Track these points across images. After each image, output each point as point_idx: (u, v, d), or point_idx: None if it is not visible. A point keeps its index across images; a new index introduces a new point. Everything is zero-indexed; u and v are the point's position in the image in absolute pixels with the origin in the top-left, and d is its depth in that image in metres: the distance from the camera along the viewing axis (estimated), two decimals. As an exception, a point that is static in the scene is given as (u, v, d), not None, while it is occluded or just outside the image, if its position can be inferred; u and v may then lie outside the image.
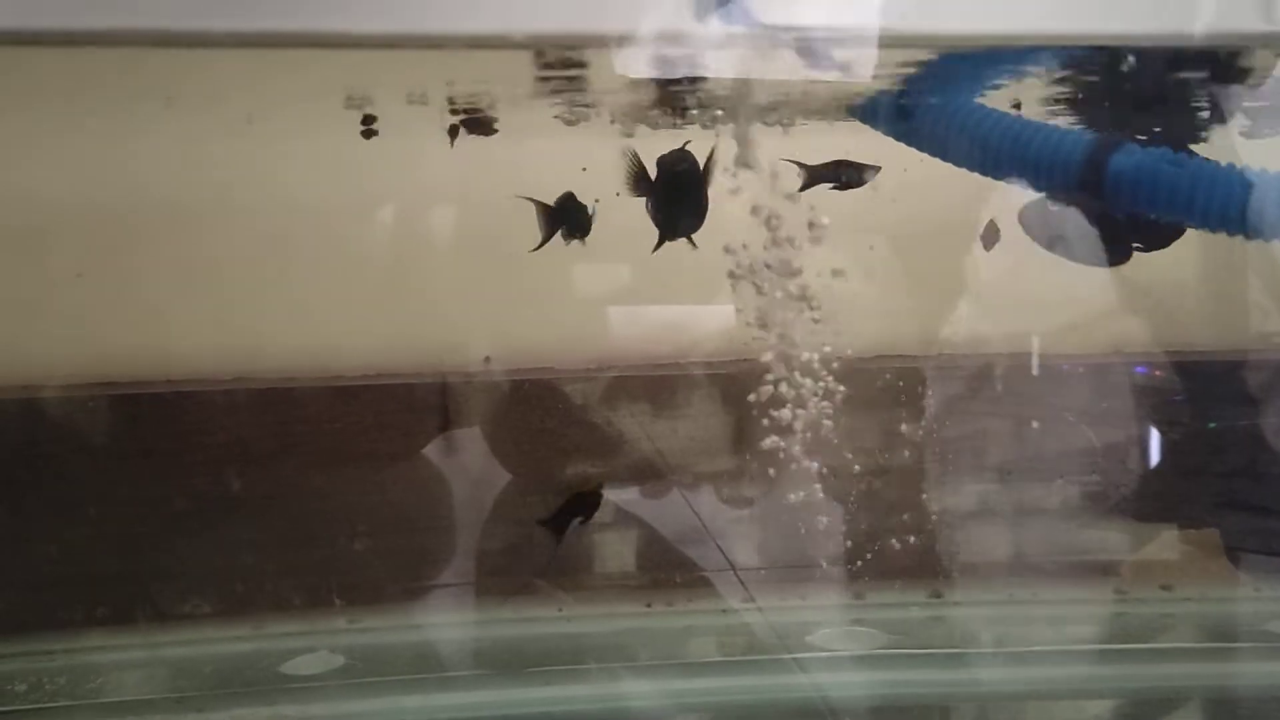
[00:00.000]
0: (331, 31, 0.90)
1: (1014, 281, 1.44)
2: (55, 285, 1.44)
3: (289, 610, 1.49)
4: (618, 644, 1.51)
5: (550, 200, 1.34)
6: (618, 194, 1.30)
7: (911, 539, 1.57)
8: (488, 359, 1.52)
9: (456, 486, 1.56)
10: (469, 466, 1.57)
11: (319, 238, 1.47)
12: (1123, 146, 1.04)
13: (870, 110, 1.17)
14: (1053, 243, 1.10)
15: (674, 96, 1.24)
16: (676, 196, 1.28)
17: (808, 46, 1.04)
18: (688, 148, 1.29)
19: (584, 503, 1.47)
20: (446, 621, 1.55)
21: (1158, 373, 1.63)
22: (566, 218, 1.34)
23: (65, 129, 1.36)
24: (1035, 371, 1.58)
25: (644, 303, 1.53)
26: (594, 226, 1.35)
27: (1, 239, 1.40)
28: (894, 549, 1.55)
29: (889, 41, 1.06)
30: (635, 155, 1.28)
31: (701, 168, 1.28)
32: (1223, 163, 1.05)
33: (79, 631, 1.44)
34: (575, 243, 1.36)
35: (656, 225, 1.28)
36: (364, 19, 0.89)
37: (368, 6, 0.89)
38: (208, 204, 1.44)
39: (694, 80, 1.13)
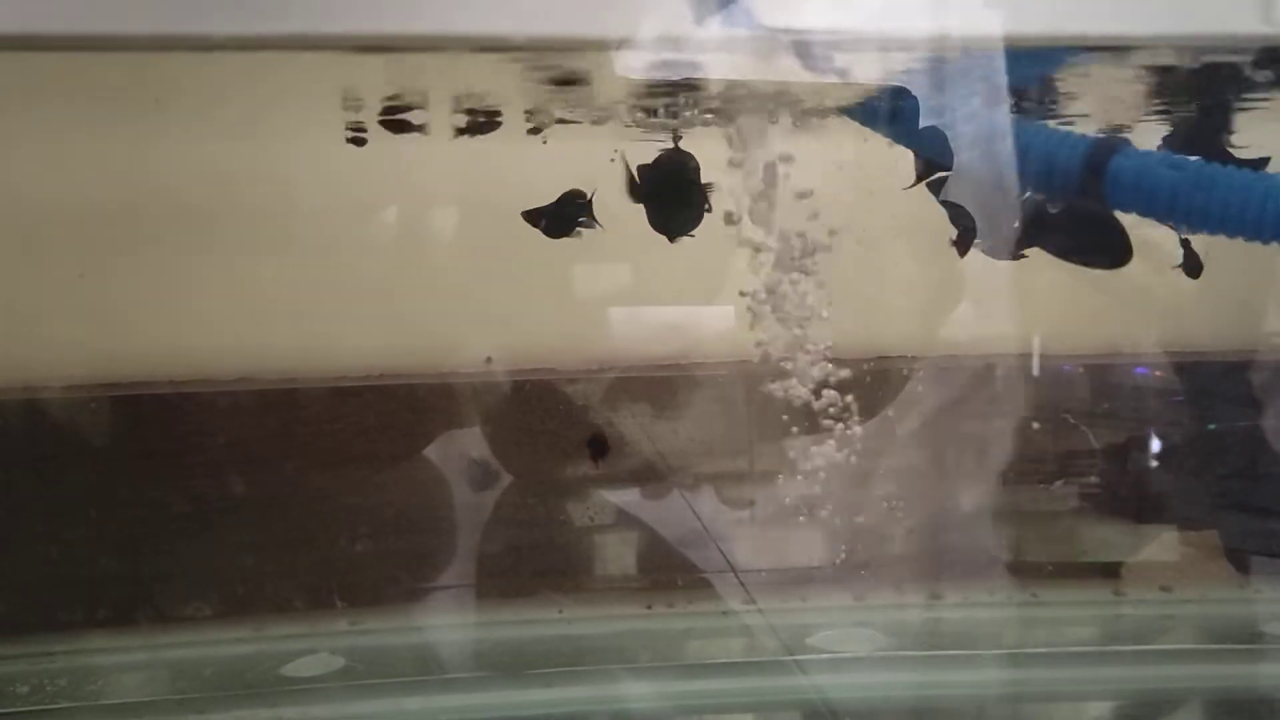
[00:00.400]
0: (328, 34, 0.90)
1: (1008, 281, 1.44)
2: (57, 286, 1.44)
3: (290, 612, 1.49)
4: (618, 646, 1.51)
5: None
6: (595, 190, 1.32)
7: (909, 540, 1.57)
8: (489, 359, 1.52)
9: (457, 488, 1.56)
10: (470, 468, 1.57)
11: (321, 239, 1.47)
12: (1122, 149, 1.04)
13: (869, 112, 1.17)
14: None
15: (664, 98, 1.24)
16: (667, 197, 1.28)
17: (806, 49, 1.04)
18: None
19: (598, 445, 1.49)
20: (447, 623, 1.55)
21: (1157, 373, 1.63)
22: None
23: (66, 130, 1.36)
24: (1033, 372, 1.58)
25: (647, 303, 1.53)
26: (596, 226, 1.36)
27: (3, 240, 1.41)
28: (891, 551, 1.55)
29: (889, 44, 1.06)
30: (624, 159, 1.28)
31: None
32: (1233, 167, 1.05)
33: (80, 633, 1.44)
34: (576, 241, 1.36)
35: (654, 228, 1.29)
36: (360, 21, 0.90)
37: (363, 9, 0.90)
38: (210, 205, 1.44)
39: (674, 84, 1.14)
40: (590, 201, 1.35)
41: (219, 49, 0.93)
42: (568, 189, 1.35)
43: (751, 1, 1.01)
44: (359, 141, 1.37)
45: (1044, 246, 1.14)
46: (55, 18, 0.91)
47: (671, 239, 1.32)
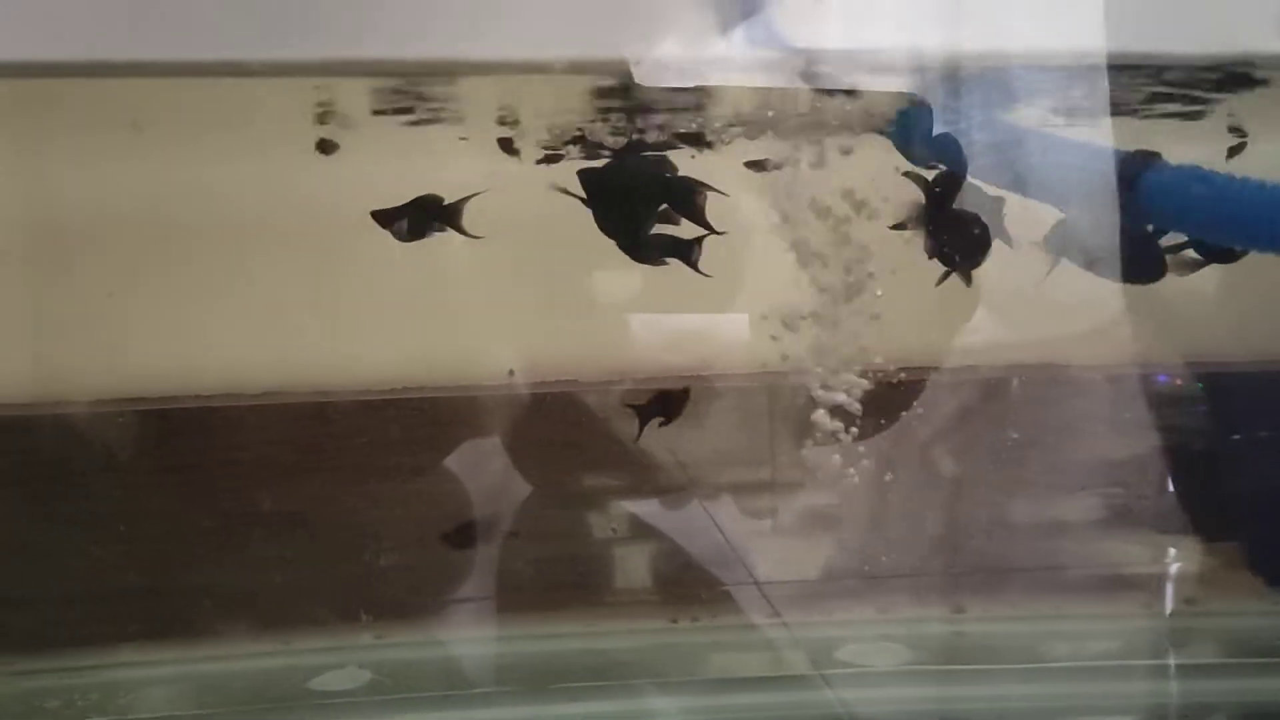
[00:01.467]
0: (378, 59, 0.92)
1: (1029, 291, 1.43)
2: (87, 303, 1.45)
3: (317, 626, 1.49)
4: (642, 660, 1.51)
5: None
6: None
7: (934, 553, 1.57)
8: (512, 372, 1.52)
9: (483, 500, 1.56)
10: (493, 480, 1.57)
11: (345, 253, 1.48)
12: (1154, 164, 1.04)
13: (901, 131, 1.17)
14: (1081, 259, 1.10)
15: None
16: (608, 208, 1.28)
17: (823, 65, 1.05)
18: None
19: (669, 403, 1.45)
20: (471, 637, 1.54)
21: (1178, 382, 1.62)
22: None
23: (95, 151, 1.37)
24: (1054, 383, 1.58)
25: (670, 313, 1.53)
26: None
27: (35, 258, 1.42)
28: (914, 563, 1.55)
29: (917, 60, 1.07)
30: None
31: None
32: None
33: (110, 648, 1.44)
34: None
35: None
36: (406, 46, 0.91)
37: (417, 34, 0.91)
38: (235, 222, 1.45)
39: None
40: (453, 207, 1.35)
41: (255, 75, 0.94)
42: (425, 194, 1.34)
43: (777, 22, 1.01)
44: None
45: (1077, 261, 1.14)
46: (90, 45, 0.93)
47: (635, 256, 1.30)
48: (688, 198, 1.26)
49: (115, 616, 1.45)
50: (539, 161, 1.35)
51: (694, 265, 1.30)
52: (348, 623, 1.50)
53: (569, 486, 1.59)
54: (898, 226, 1.29)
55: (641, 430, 1.46)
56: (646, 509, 1.58)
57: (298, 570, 1.49)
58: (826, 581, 1.57)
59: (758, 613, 1.54)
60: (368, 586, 1.52)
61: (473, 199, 1.35)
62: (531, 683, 1.45)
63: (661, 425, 1.47)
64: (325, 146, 1.35)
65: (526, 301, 1.51)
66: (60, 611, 1.44)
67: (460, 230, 1.36)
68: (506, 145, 1.37)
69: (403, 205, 1.34)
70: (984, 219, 1.21)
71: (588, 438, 1.56)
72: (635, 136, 1.31)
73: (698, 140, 1.31)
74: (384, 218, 1.34)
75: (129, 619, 1.45)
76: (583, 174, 1.25)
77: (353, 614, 1.50)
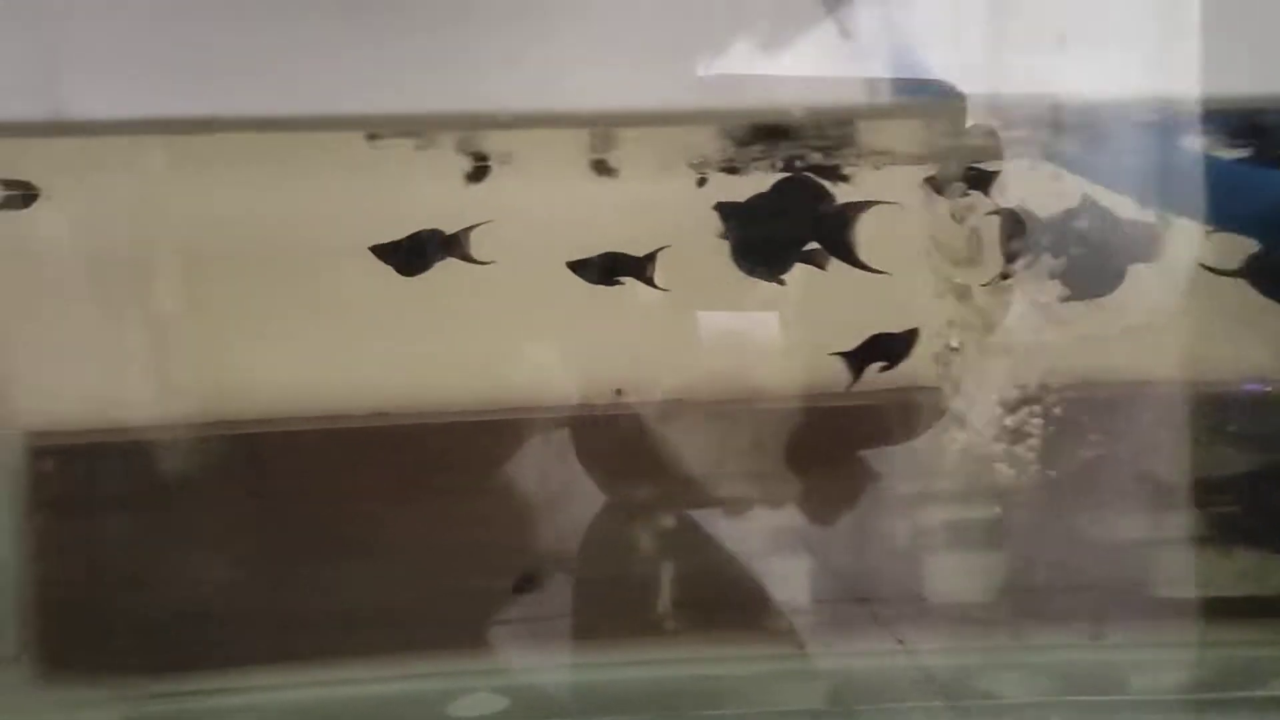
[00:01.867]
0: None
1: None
2: (166, 329, 1.43)
3: (422, 651, 1.46)
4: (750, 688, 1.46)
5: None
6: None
7: (1052, 576, 1.53)
8: (619, 391, 1.49)
9: (584, 524, 1.52)
10: (593, 502, 1.53)
11: (441, 278, 1.44)
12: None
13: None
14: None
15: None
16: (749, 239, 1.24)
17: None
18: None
19: (889, 345, 1.39)
20: (569, 662, 1.50)
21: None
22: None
23: (178, 176, 1.35)
24: (1161, 397, 1.54)
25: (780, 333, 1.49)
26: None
27: (112, 287, 1.40)
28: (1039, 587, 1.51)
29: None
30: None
31: None
32: None
33: (210, 674, 1.42)
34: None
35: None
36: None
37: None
38: (315, 244, 1.43)
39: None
40: (455, 237, 1.33)
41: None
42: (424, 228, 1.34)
43: (939, 68, 1.00)
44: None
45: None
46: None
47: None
48: (839, 235, 1.21)
49: (215, 641, 1.42)
50: (699, 184, 1.31)
51: (649, 281, 1.25)
52: (450, 649, 1.46)
53: (652, 507, 1.54)
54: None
55: (858, 376, 1.39)
56: (757, 527, 1.54)
57: (393, 594, 1.45)
58: (950, 603, 1.53)
59: (877, 639, 1.50)
60: (471, 610, 1.48)
61: (476, 229, 1.35)
62: (636, 710, 1.41)
63: (884, 370, 1.39)
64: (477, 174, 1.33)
65: (631, 320, 1.47)
66: (177, 634, 1.41)
67: (468, 259, 1.35)
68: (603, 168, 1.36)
69: (401, 239, 1.34)
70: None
71: (673, 460, 1.52)
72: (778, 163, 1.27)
73: (834, 173, 1.27)
74: (383, 252, 1.34)
75: (229, 644, 1.42)
76: (721, 207, 1.21)
77: (453, 640, 1.47)
